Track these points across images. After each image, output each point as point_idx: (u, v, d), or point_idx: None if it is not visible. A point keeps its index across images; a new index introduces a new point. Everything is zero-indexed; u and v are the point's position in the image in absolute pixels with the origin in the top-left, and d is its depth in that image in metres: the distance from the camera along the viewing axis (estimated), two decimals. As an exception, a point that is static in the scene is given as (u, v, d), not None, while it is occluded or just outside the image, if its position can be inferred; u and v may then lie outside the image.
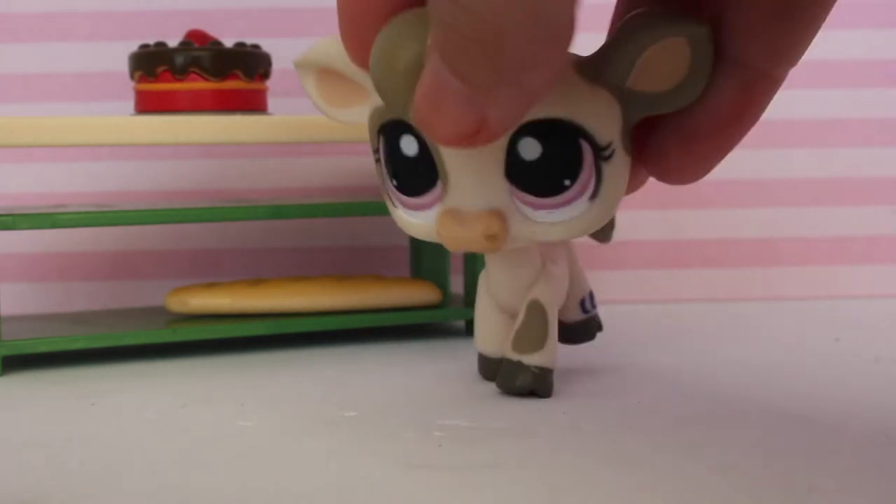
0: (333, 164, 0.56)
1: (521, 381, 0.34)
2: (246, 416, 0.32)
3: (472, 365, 0.40)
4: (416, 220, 0.30)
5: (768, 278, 0.56)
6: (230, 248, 0.56)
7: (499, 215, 0.29)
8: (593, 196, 0.29)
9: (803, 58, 0.31)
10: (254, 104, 0.45)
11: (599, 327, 0.39)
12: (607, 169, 0.28)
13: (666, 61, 0.27)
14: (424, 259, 0.50)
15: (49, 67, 0.55)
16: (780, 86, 0.30)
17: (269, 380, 0.38)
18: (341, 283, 0.45)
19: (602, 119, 0.28)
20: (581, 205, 0.29)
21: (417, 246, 0.51)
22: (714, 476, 0.26)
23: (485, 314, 0.36)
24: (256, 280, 0.46)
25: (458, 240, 0.29)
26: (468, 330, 0.47)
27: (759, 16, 0.28)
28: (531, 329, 0.34)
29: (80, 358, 0.41)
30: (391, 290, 0.46)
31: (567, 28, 0.24)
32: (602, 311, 0.40)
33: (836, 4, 0.30)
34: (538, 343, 0.34)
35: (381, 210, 0.46)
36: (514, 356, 0.34)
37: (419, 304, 0.46)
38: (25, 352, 0.40)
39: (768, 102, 0.29)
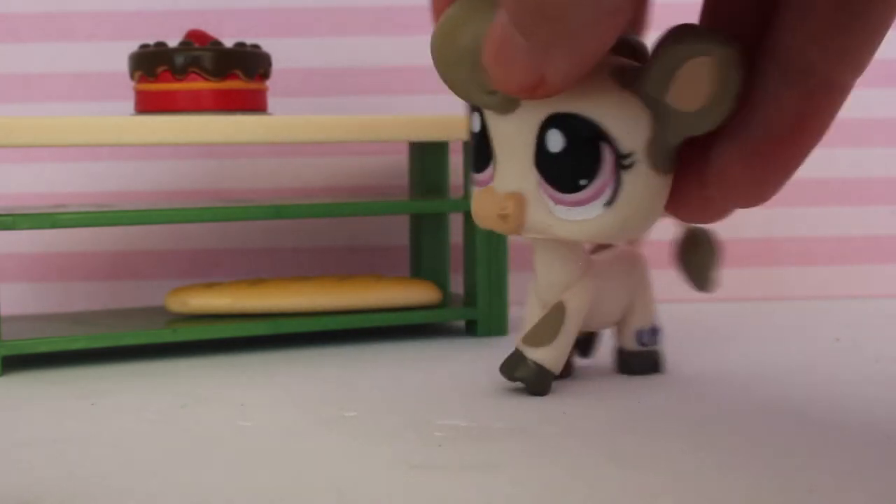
0: (333, 164, 0.56)
1: (519, 371, 0.34)
2: (246, 416, 0.32)
3: (473, 365, 0.40)
4: (478, 193, 0.31)
5: (768, 278, 0.56)
6: (230, 248, 0.56)
7: (517, 199, 0.30)
8: (609, 202, 0.29)
9: None
10: (254, 104, 0.45)
11: (656, 366, 0.37)
12: (627, 178, 0.29)
13: (698, 79, 0.27)
14: (424, 259, 0.50)
15: (49, 67, 0.55)
16: (847, 95, 0.28)
17: (269, 380, 0.38)
18: (341, 283, 0.45)
19: (628, 127, 0.28)
20: (595, 208, 0.29)
21: (417, 246, 0.51)
22: (714, 476, 0.26)
23: (530, 313, 0.35)
24: (256, 280, 0.46)
25: (477, 214, 0.31)
26: (468, 330, 0.47)
27: (824, 20, 0.27)
28: (544, 325, 0.34)
29: (80, 358, 0.41)
30: (391, 290, 0.46)
31: (627, 2, 0.25)
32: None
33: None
34: (545, 339, 0.34)
35: (381, 210, 0.47)
36: (521, 346, 0.35)
37: (419, 304, 0.46)
38: (25, 352, 0.40)
39: (835, 113, 0.28)
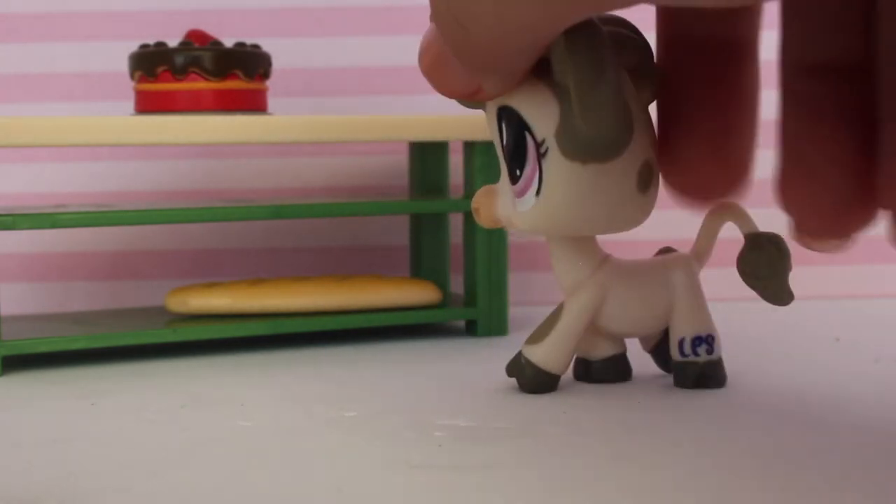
0: (333, 164, 0.56)
1: (511, 367, 0.35)
2: (246, 416, 0.32)
3: (473, 365, 0.40)
4: None
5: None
6: (230, 248, 0.56)
7: (488, 192, 0.33)
8: (538, 191, 0.31)
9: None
10: (254, 104, 0.45)
11: (698, 380, 0.35)
12: (546, 167, 0.30)
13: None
14: (424, 259, 0.50)
15: (49, 67, 0.55)
16: None
17: (269, 380, 0.38)
18: (341, 283, 0.45)
19: (540, 114, 0.30)
20: (530, 198, 0.31)
21: (417, 246, 0.51)
22: (714, 476, 0.26)
23: None
24: (256, 280, 0.46)
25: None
26: (468, 330, 0.47)
27: None
28: (543, 323, 0.34)
29: (80, 358, 0.41)
30: (391, 290, 0.46)
31: (553, 28, 0.26)
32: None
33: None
34: (538, 336, 0.34)
35: (381, 210, 0.47)
36: (523, 346, 0.35)
37: (419, 304, 0.46)
38: (25, 352, 0.40)
39: None
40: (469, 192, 0.45)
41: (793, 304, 0.36)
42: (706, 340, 0.35)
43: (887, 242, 0.27)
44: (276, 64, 0.48)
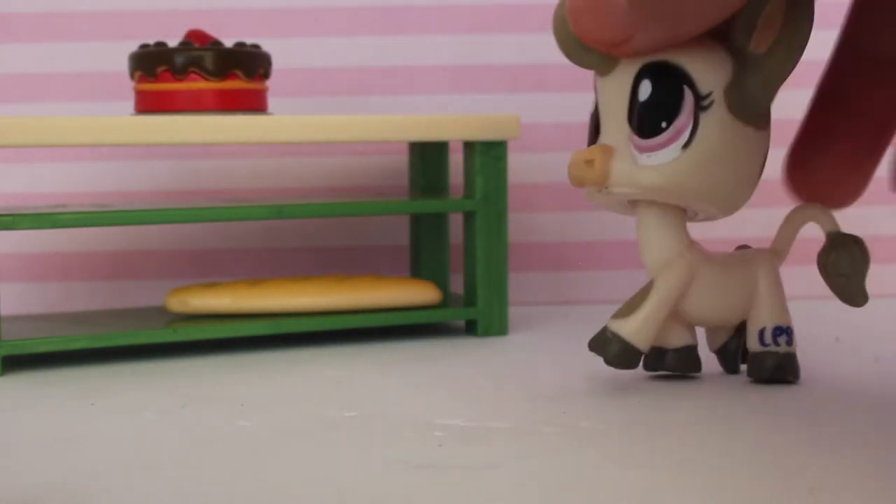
0: (333, 164, 0.56)
1: (597, 341, 0.34)
2: (246, 416, 0.32)
3: (473, 365, 0.40)
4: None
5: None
6: (230, 248, 0.56)
7: (605, 149, 0.32)
8: (686, 144, 0.31)
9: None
10: (254, 104, 0.45)
11: (781, 369, 0.35)
12: (704, 121, 0.31)
13: (772, 19, 0.30)
14: (424, 259, 0.50)
15: (49, 67, 0.55)
16: None
17: (269, 380, 0.38)
18: (341, 283, 0.45)
19: (709, 69, 0.31)
20: (674, 150, 0.31)
21: (417, 246, 0.51)
22: (714, 476, 0.26)
23: None
24: (256, 280, 0.46)
25: (570, 165, 0.33)
26: (468, 330, 0.47)
27: None
28: (630, 300, 0.34)
29: (80, 358, 0.41)
30: (391, 290, 0.46)
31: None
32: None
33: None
34: (626, 312, 0.34)
35: (381, 210, 0.47)
36: (608, 321, 0.34)
37: (419, 304, 0.46)
38: (25, 352, 0.40)
39: None
40: (469, 193, 0.45)
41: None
42: (786, 331, 0.35)
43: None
44: (276, 64, 0.48)
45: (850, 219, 0.57)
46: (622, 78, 0.32)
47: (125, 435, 0.31)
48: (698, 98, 0.31)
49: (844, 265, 0.35)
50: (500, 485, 0.25)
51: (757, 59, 0.31)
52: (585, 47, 0.31)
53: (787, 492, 0.24)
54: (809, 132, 0.34)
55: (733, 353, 0.36)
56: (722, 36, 0.31)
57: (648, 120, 0.31)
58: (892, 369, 0.38)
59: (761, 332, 0.35)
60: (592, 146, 0.32)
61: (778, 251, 0.36)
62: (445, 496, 0.24)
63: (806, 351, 0.42)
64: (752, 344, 0.35)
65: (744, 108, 0.31)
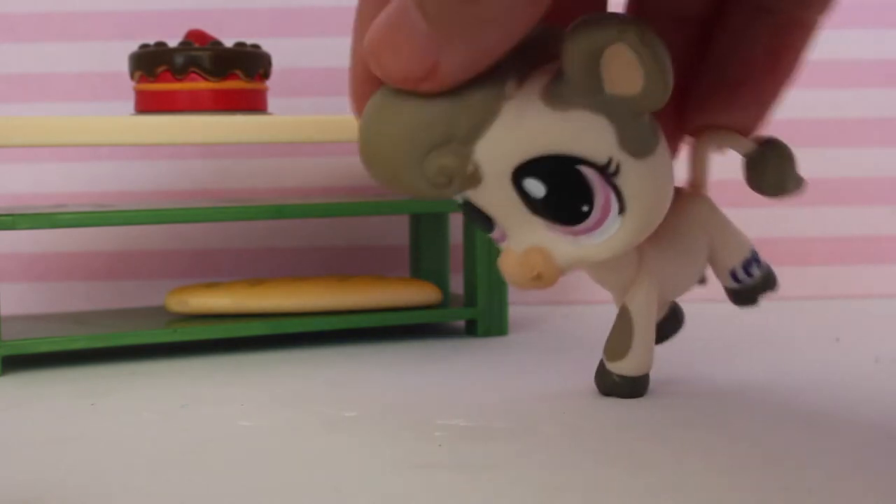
0: (333, 164, 0.56)
1: (606, 387, 0.34)
2: (246, 416, 0.32)
3: (473, 365, 0.40)
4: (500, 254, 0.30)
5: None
6: (230, 248, 0.56)
7: (539, 253, 0.29)
8: (622, 210, 0.28)
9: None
10: (254, 104, 0.45)
11: (767, 289, 0.35)
12: (623, 182, 0.28)
13: (621, 66, 0.27)
14: (424, 259, 0.50)
15: (49, 67, 0.55)
16: (813, 32, 0.29)
17: (269, 380, 0.38)
18: (341, 283, 0.45)
19: (591, 139, 0.28)
20: (614, 222, 0.29)
21: (417, 246, 0.51)
22: (714, 476, 0.26)
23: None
24: (256, 280, 0.46)
25: (512, 282, 0.30)
26: (468, 330, 0.47)
27: None
28: (616, 336, 0.33)
29: (80, 358, 0.41)
30: (391, 290, 0.46)
31: None
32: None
33: (837, 4, 0.30)
34: (620, 352, 0.33)
35: (381, 210, 0.47)
36: (604, 360, 0.34)
37: (419, 304, 0.46)
38: (25, 352, 0.40)
39: (803, 49, 0.30)
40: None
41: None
42: (754, 259, 0.35)
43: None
44: (276, 64, 0.48)
45: (850, 218, 0.58)
46: (495, 186, 0.28)
47: (125, 435, 0.31)
48: (601, 169, 0.28)
49: (772, 175, 0.33)
50: (500, 485, 0.25)
51: (630, 99, 0.27)
52: (437, 183, 0.27)
53: (787, 492, 0.24)
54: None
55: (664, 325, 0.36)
56: (565, 99, 0.27)
57: (565, 212, 0.29)
58: (892, 369, 0.38)
59: (733, 272, 0.35)
60: (525, 256, 0.29)
61: (697, 186, 0.35)
62: (445, 496, 0.24)
63: (806, 351, 0.42)
64: (728, 283, 0.35)
65: (643, 146, 0.28)
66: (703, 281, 0.36)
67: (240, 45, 0.46)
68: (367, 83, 0.27)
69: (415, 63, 0.25)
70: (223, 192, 0.56)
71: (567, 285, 0.56)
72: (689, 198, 0.34)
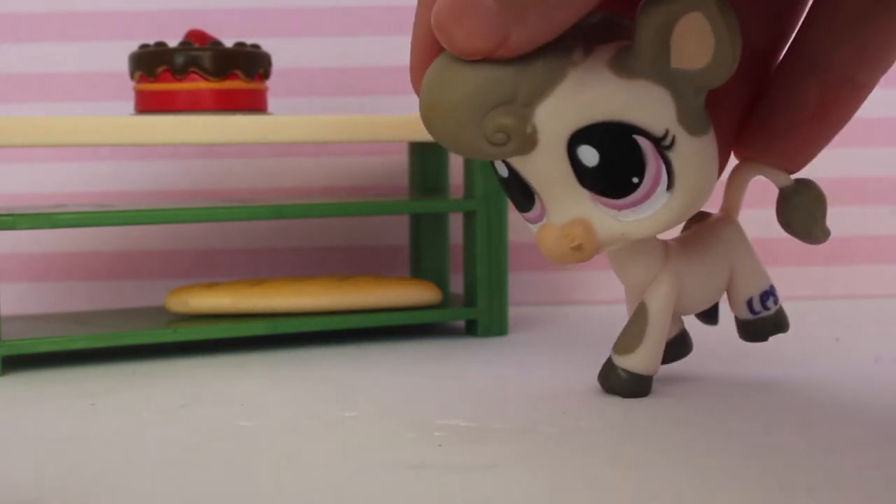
0: (333, 164, 0.56)
1: (611, 382, 0.34)
2: (246, 416, 0.32)
3: (473, 365, 0.40)
4: (536, 232, 0.31)
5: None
6: (230, 248, 0.56)
7: (581, 224, 0.29)
8: (670, 186, 0.29)
9: None
10: (254, 104, 0.45)
11: (778, 328, 0.36)
12: (675, 157, 0.29)
13: (692, 37, 0.27)
14: (424, 259, 0.50)
15: (49, 67, 0.55)
16: (868, 91, 0.30)
17: (269, 380, 0.38)
18: (341, 283, 0.45)
19: (652, 110, 0.28)
20: (661, 197, 0.29)
21: (417, 246, 0.51)
22: (714, 476, 0.26)
23: (628, 314, 0.34)
24: (256, 280, 0.46)
25: (550, 255, 0.30)
26: (468, 330, 0.47)
27: (849, 23, 0.28)
28: (630, 331, 0.33)
29: (80, 358, 0.41)
30: (391, 290, 0.46)
31: None
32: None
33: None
34: (631, 346, 0.33)
35: (381, 210, 0.47)
36: (612, 354, 0.34)
37: (419, 304, 0.46)
38: (25, 352, 0.40)
39: (855, 108, 0.30)
40: (469, 193, 0.45)
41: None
42: (771, 293, 0.35)
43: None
44: (276, 64, 0.48)
45: (850, 218, 0.58)
46: (550, 153, 0.28)
47: (125, 435, 0.31)
48: (657, 141, 0.28)
49: (802, 214, 0.34)
50: (500, 485, 0.25)
51: (694, 74, 0.28)
52: (495, 140, 0.28)
53: (787, 492, 0.24)
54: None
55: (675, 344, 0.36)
56: (631, 69, 0.28)
57: (615, 183, 0.29)
58: (892, 369, 0.38)
59: (749, 302, 0.35)
60: (566, 227, 0.29)
61: (729, 211, 0.35)
62: (445, 496, 0.24)
63: (806, 351, 0.42)
64: (742, 313, 0.35)
65: (699, 125, 0.29)
66: (713, 318, 0.36)
67: (240, 45, 0.46)
68: (432, 53, 0.28)
69: (485, 38, 0.26)
70: (223, 192, 0.56)
71: (567, 285, 0.56)
72: (721, 220, 0.35)
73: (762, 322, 0.35)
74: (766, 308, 0.35)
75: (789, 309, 0.36)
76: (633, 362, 0.33)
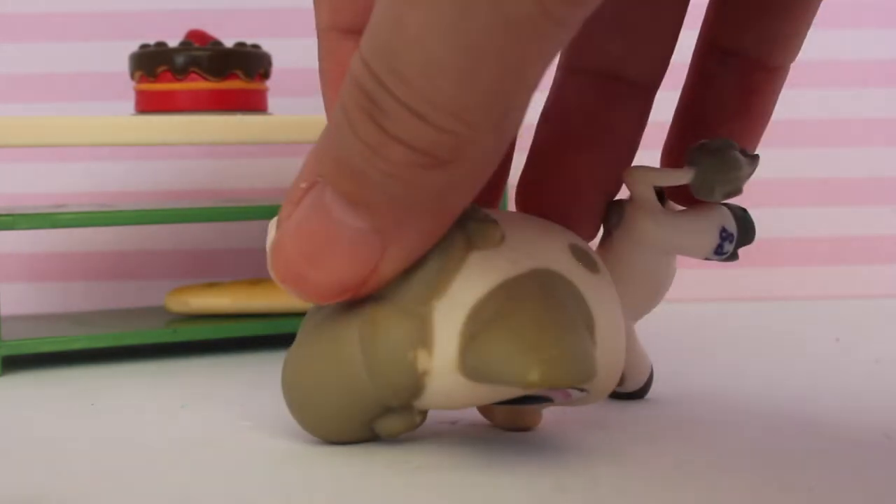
0: (333, 164, 0.56)
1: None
2: (246, 416, 0.32)
3: (472, 365, 0.40)
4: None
5: (767, 278, 0.56)
6: (230, 248, 0.56)
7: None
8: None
9: (803, 57, 0.31)
10: (254, 104, 0.45)
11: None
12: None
13: None
14: (424, 259, 0.50)
15: (49, 67, 0.55)
16: (782, 77, 0.29)
17: (269, 380, 0.38)
18: (341, 283, 0.45)
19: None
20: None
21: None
22: (714, 476, 0.26)
23: None
24: (256, 280, 0.46)
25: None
26: (468, 330, 0.46)
27: (754, 9, 0.28)
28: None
29: (80, 358, 0.41)
30: (391, 290, 0.46)
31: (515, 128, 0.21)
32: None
33: (838, 4, 0.30)
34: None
35: (381, 210, 0.46)
36: None
37: (419, 304, 0.46)
38: (25, 352, 0.40)
39: (774, 94, 0.29)
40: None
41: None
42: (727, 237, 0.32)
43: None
44: (276, 64, 0.48)
45: (850, 218, 0.58)
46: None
47: (125, 435, 0.31)
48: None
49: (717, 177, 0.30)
50: (501, 485, 0.25)
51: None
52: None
53: (787, 492, 0.24)
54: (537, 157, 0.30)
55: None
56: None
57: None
58: (893, 370, 0.38)
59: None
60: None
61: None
62: (445, 496, 0.24)
63: (806, 351, 0.42)
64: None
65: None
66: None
67: (240, 45, 0.46)
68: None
69: (352, 273, 0.21)
70: (223, 192, 0.56)
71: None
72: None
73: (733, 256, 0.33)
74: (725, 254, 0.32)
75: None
76: (623, 386, 0.33)
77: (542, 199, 0.28)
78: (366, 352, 0.25)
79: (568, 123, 0.29)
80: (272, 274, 0.23)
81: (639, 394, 0.34)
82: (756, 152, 0.30)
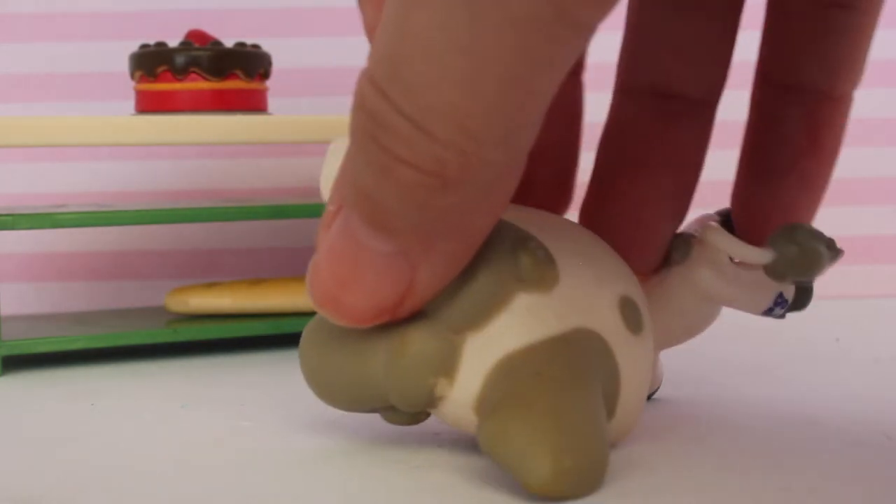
0: (333, 164, 0.56)
1: None
2: (246, 416, 0.32)
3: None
4: None
5: (768, 278, 0.56)
6: (230, 248, 0.56)
7: None
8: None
9: None
10: (254, 104, 0.45)
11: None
12: None
13: None
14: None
15: (49, 67, 0.55)
16: (848, 105, 0.28)
17: (269, 380, 0.38)
18: (341, 283, 0.45)
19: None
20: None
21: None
22: (714, 476, 0.26)
23: None
24: (256, 280, 0.46)
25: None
26: (468, 330, 0.46)
27: (802, 34, 0.26)
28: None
29: (80, 358, 0.41)
30: (391, 290, 0.46)
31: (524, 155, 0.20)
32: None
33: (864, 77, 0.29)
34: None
35: (381, 210, 0.46)
36: None
37: (419, 304, 0.46)
38: (25, 352, 0.40)
39: (842, 126, 0.28)
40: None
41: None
42: (781, 303, 0.33)
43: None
44: (276, 64, 0.48)
45: (850, 218, 0.58)
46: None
47: (125, 435, 0.31)
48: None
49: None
50: (501, 485, 0.25)
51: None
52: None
53: (787, 492, 0.24)
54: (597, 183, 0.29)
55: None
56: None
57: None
58: (892, 369, 0.38)
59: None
60: None
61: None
62: (445, 496, 0.24)
63: (806, 351, 0.42)
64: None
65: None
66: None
67: (240, 45, 0.46)
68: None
69: (388, 294, 0.21)
70: (223, 192, 0.56)
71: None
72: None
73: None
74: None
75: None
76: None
77: (604, 224, 0.28)
78: (389, 363, 0.25)
79: (626, 144, 0.28)
80: (310, 298, 0.23)
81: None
82: (840, 247, 0.30)
